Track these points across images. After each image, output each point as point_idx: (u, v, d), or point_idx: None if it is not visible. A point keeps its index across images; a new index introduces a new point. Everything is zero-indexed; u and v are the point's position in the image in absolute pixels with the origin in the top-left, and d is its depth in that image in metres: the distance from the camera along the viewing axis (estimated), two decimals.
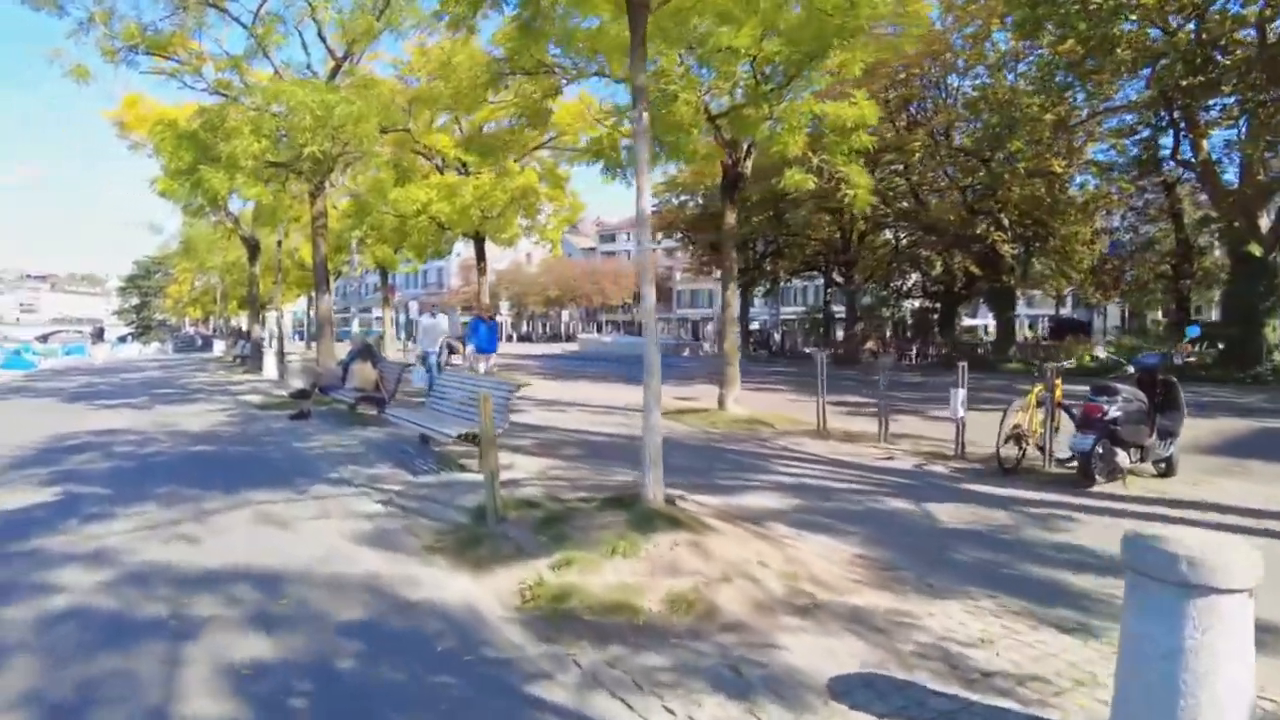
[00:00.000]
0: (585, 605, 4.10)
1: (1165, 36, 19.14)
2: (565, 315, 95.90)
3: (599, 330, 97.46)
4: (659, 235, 48.15)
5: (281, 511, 6.39)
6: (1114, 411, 7.53)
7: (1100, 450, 7.53)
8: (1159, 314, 38.82)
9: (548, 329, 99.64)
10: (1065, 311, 51.33)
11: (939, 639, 3.81)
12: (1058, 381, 8.65)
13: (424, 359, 12.95)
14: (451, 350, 12.84)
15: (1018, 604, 4.32)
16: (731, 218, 13.13)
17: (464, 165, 20.60)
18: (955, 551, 5.51)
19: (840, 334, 39.02)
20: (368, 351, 12.38)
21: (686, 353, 44.53)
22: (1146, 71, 21.44)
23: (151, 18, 13.92)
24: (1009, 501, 7.02)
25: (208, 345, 54.33)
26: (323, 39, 13.72)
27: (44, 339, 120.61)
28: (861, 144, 11.79)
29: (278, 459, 8.98)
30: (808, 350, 35.30)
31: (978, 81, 26.92)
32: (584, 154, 12.41)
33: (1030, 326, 55.03)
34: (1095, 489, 7.46)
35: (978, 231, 27.24)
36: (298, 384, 17.77)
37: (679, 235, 39.89)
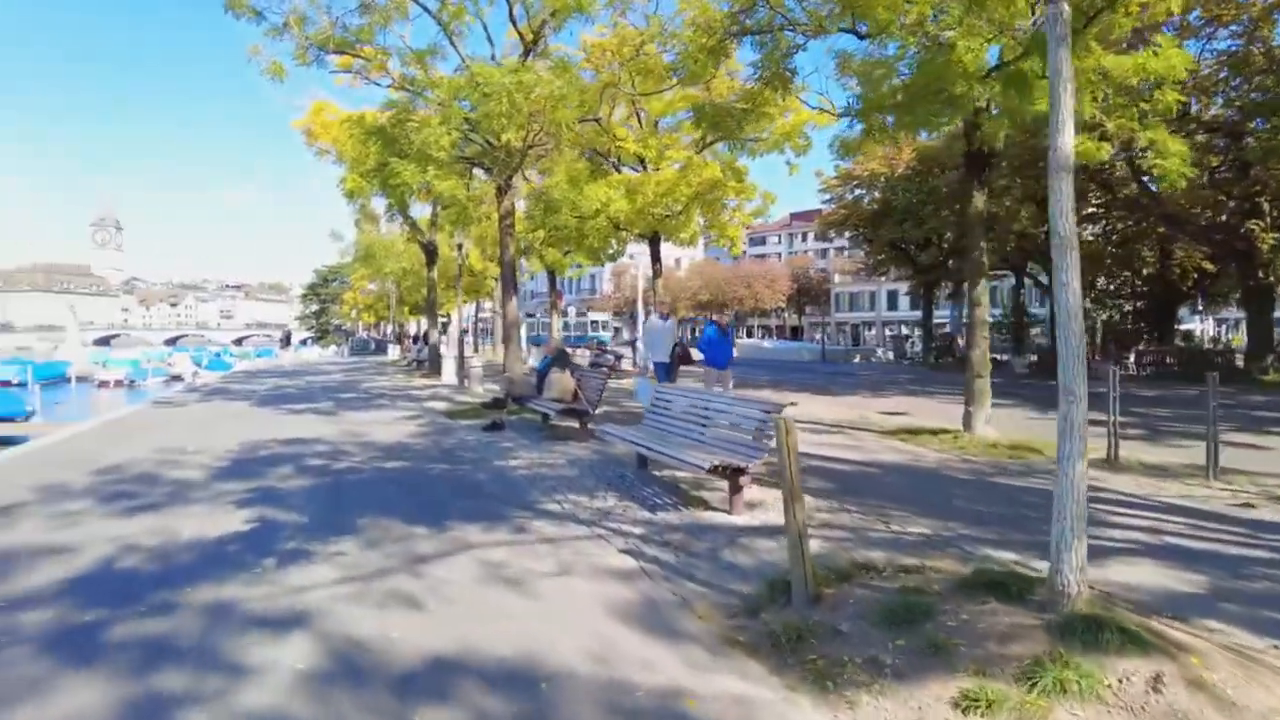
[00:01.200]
0: None
1: None
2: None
3: (748, 335, 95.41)
4: (820, 233, 45.59)
5: (508, 560, 5.10)
6: None
7: None
8: None
9: (696, 333, 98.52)
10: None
11: None
12: None
13: (651, 368, 11.31)
14: (684, 359, 10.94)
15: None
16: (980, 201, 11.00)
17: (642, 162, 19.43)
18: None
19: (1028, 337, 35.08)
20: (564, 358, 11.23)
21: (857, 359, 41.76)
22: None
23: (339, 12, 13.45)
24: None
25: (381, 349, 56.86)
26: (513, 20, 12.78)
27: (239, 342, 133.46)
28: (1166, 104, 9.42)
29: (482, 481, 7.85)
30: (1003, 358, 31.86)
31: (1224, 45, 22.93)
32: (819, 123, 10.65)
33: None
34: None
35: (1226, 219, 23.22)
36: (481, 389, 17.13)
37: (853, 233, 37.24)
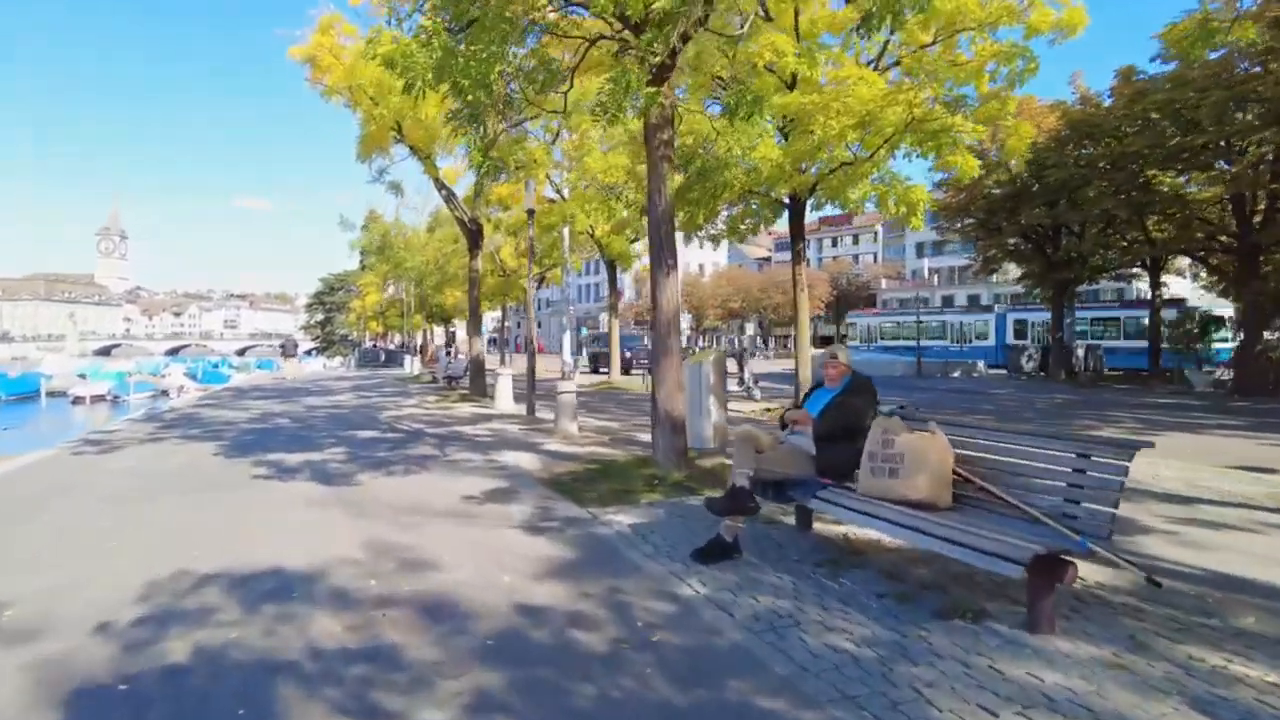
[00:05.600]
0: None
1: None
2: (749, 329, 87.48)
3: (767, 345, 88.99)
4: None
5: None
6: None
7: None
8: None
9: (728, 344, 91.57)
10: None
11: None
12: None
13: None
14: None
15: None
16: None
17: (791, 81, 13.24)
18: None
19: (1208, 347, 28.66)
20: (867, 391, 4.98)
21: (957, 373, 35.39)
22: None
23: None
24: None
25: (393, 360, 50.74)
26: None
27: (242, 353, 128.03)
28: None
29: None
30: (1187, 372, 25.49)
31: None
32: None
33: None
34: None
35: None
36: (574, 429, 10.36)
37: (968, 223, 30.88)
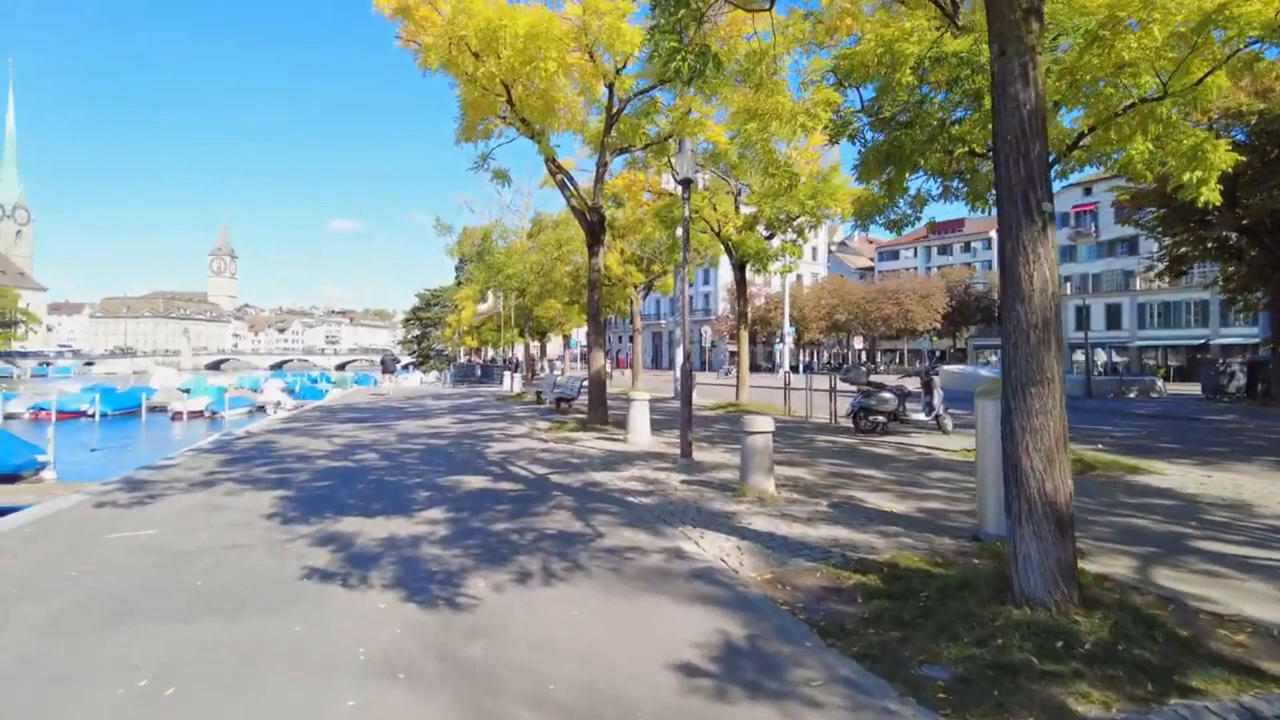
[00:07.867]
0: None
1: None
2: (858, 343, 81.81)
3: (898, 359, 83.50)
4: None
5: None
6: None
7: None
8: None
9: (832, 359, 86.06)
10: None
11: None
12: None
13: None
14: None
15: None
16: None
17: None
18: None
19: None
20: None
21: (1133, 394, 30.02)
22: None
23: None
24: None
25: (488, 376, 48.58)
26: None
27: (342, 368, 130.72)
28: None
29: None
30: None
31: None
32: None
33: None
34: None
35: None
36: (793, 502, 6.71)
37: (1162, 209, 25.81)
